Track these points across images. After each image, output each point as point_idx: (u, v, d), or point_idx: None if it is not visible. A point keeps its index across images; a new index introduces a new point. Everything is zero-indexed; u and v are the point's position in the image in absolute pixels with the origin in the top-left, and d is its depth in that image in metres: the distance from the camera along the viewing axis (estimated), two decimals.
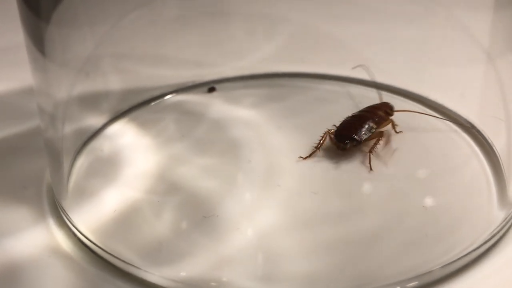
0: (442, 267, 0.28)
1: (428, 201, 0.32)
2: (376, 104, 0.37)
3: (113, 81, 0.40)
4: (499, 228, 0.30)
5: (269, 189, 0.32)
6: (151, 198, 0.32)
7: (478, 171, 0.33)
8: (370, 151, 0.34)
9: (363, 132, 0.35)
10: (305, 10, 0.43)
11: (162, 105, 0.40)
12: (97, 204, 0.32)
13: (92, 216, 0.31)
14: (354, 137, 0.34)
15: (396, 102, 0.39)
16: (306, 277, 0.28)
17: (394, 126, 0.36)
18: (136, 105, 0.40)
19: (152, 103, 0.40)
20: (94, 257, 0.29)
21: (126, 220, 0.31)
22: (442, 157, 0.35)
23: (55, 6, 0.32)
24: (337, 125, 0.36)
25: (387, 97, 0.39)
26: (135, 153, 0.36)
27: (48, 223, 0.31)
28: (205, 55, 0.43)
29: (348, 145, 0.34)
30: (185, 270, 0.28)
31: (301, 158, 0.34)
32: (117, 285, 0.28)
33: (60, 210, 0.32)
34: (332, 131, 0.35)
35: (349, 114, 0.37)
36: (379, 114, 0.36)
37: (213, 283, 0.27)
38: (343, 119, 0.36)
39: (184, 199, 0.32)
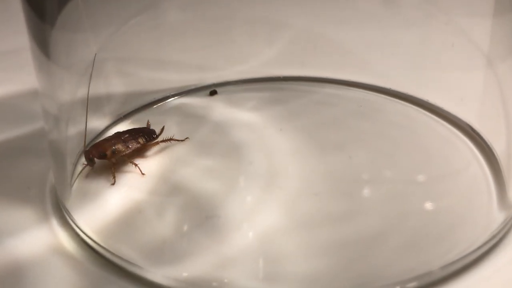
0: (442, 268, 0.28)
1: (428, 203, 0.32)
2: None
3: (116, 84, 0.40)
4: (498, 229, 0.30)
5: (271, 191, 0.33)
6: (153, 199, 0.33)
7: (478, 174, 0.33)
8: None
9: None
10: (306, 15, 0.43)
11: (165, 108, 0.40)
12: (100, 205, 0.32)
13: (95, 217, 0.31)
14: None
15: (397, 105, 0.39)
16: (307, 278, 0.28)
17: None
18: (138, 108, 0.40)
19: (155, 106, 0.41)
20: (97, 257, 0.29)
21: (129, 221, 0.31)
22: (443, 160, 0.35)
23: (59, 10, 0.33)
24: None
25: (388, 101, 0.40)
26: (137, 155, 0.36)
27: (51, 223, 0.32)
28: (207, 58, 0.43)
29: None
30: (187, 270, 0.28)
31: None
32: (120, 284, 0.28)
33: (63, 211, 0.32)
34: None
35: (349, 116, 0.37)
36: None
37: (214, 283, 0.28)
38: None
39: (186, 200, 0.32)
